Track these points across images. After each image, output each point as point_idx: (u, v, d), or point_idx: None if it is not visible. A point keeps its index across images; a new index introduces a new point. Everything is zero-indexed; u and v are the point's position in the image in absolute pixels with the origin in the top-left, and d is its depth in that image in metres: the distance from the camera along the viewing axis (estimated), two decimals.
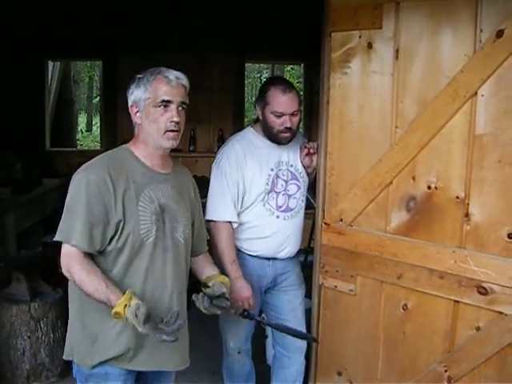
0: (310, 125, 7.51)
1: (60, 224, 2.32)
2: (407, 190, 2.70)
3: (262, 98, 3.18)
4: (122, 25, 6.87)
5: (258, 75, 17.82)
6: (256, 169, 3.17)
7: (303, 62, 7.87)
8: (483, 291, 2.49)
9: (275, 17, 6.78)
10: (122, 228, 2.32)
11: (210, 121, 7.17)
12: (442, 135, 2.56)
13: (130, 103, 2.44)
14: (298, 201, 3.32)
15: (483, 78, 2.40)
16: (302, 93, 9.39)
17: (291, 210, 3.27)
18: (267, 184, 3.19)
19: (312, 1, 3.12)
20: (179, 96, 2.40)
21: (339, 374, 3.12)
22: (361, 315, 2.97)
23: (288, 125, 3.11)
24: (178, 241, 2.50)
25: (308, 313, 3.40)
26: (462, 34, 2.46)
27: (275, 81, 3.31)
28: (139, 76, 2.43)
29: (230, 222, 3.16)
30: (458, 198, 2.54)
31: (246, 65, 7.93)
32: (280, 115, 3.10)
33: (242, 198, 3.18)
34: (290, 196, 3.27)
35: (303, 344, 3.42)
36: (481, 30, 2.39)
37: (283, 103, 3.09)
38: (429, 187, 2.63)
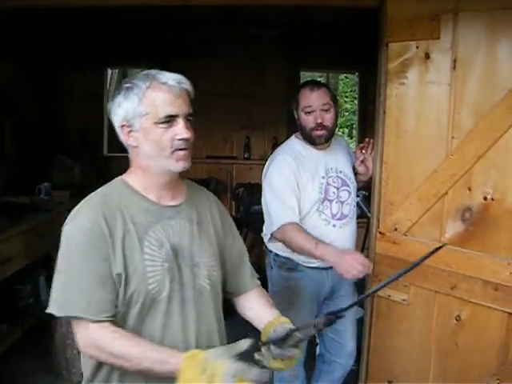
0: (364, 133, 7.46)
1: (53, 293, 1.80)
2: (463, 201, 2.69)
3: (294, 101, 3.22)
4: (177, 33, 6.97)
5: None
6: (309, 178, 3.15)
7: (357, 71, 7.85)
8: None
9: (329, 25, 6.78)
10: (126, 285, 1.80)
11: (264, 128, 7.19)
12: (499, 146, 2.55)
13: (118, 122, 1.89)
14: (351, 206, 3.29)
15: None
16: (356, 101, 9.37)
17: (346, 216, 3.24)
18: (320, 193, 3.17)
19: (367, 9, 3.13)
20: (185, 106, 1.87)
21: (389, 382, 3.12)
22: (413, 325, 2.96)
23: (319, 120, 3.10)
24: (201, 288, 1.96)
25: (360, 322, 3.40)
26: None
27: (305, 82, 3.35)
28: (127, 85, 1.87)
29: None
30: None
31: (301, 73, 7.96)
32: (310, 110, 3.12)
33: (299, 205, 3.12)
34: (343, 203, 3.24)
35: (353, 350, 3.43)
36: None
37: (311, 98, 3.11)
38: (485, 198, 2.61)
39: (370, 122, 3.14)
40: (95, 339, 1.76)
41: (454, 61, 2.66)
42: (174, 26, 6.79)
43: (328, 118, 3.14)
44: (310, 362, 3.62)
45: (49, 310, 1.78)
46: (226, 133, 7.08)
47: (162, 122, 1.82)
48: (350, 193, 3.28)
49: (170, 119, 1.82)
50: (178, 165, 1.87)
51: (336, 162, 3.27)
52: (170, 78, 1.85)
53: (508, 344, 2.61)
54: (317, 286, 3.29)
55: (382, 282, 2.97)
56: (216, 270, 2.03)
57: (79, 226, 1.81)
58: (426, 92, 2.78)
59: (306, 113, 3.13)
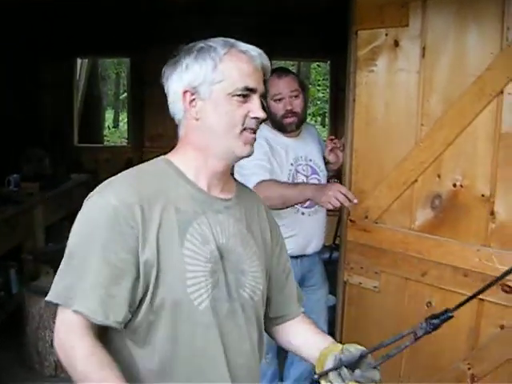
0: (335, 122, 7.50)
1: (57, 278, 1.47)
2: (432, 188, 2.70)
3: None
4: (151, 21, 6.91)
5: None
6: (278, 165, 3.15)
7: (329, 59, 7.86)
8: (508, 290, 2.48)
9: (302, 14, 6.77)
10: (156, 283, 1.45)
11: None
12: (468, 133, 2.56)
13: (180, 87, 1.57)
14: None
15: (510, 76, 2.39)
16: (328, 90, 9.38)
17: (314, 205, 3.20)
18: (288, 180, 3.17)
19: None
20: (262, 83, 1.63)
21: None
22: (385, 312, 2.97)
23: (289, 107, 3.13)
24: (244, 302, 1.61)
25: (332, 310, 3.41)
26: (489, 31, 2.46)
27: (272, 70, 3.23)
28: (200, 45, 1.57)
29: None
30: (483, 196, 2.53)
31: (273, 61, 7.95)
32: (279, 98, 3.13)
33: None
34: None
35: None
36: (507, 28, 2.38)
37: (280, 85, 3.12)
38: (454, 185, 2.63)
39: (341, 111, 3.14)
40: (68, 341, 1.42)
41: (423, 48, 2.67)
42: (151, 15, 6.74)
43: (297, 104, 3.16)
44: (283, 350, 3.62)
45: (48, 298, 1.45)
46: None
47: (239, 95, 1.54)
48: (319, 181, 3.29)
49: (247, 93, 1.55)
50: (245, 148, 1.61)
51: (306, 150, 3.29)
52: (251, 48, 1.60)
53: (478, 329, 2.64)
54: None
55: (354, 271, 2.99)
56: (262, 283, 1.69)
57: (105, 202, 1.46)
58: (395, 80, 2.79)
59: (276, 100, 3.14)
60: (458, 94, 2.56)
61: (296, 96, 3.16)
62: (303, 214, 3.21)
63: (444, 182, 2.66)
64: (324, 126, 13.69)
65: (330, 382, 1.50)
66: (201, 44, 1.57)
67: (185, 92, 1.55)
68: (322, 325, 3.38)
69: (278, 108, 3.15)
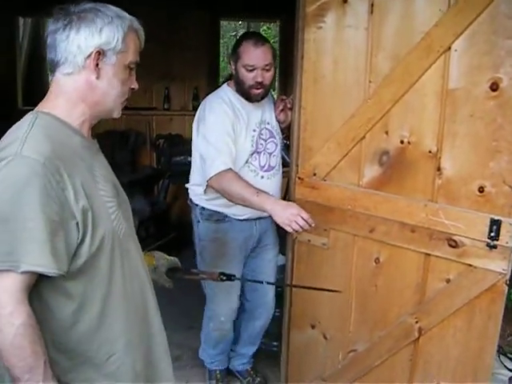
0: (285, 83, 7.46)
1: None
2: (380, 145, 2.71)
3: (234, 53, 3.11)
4: None
5: (234, 33, 17.61)
6: (242, 129, 3.14)
7: (279, 20, 7.79)
8: (454, 244, 2.53)
9: None
10: (93, 224, 1.61)
11: (185, 79, 7.07)
12: (415, 90, 2.56)
13: (90, 45, 1.67)
14: (277, 158, 3.34)
15: (457, 33, 2.39)
16: (277, 52, 9.32)
17: (272, 168, 3.28)
18: (252, 146, 3.18)
19: None
20: None
21: (313, 327, 3.17)
22: (334, 269, 3.00)
23: (259, 79, 3.06)
24: (131, 229, 1.91)
25: (282, 269, 3.44)
26: None
27: (248, 35, 3.21)
28: (113, 12, 1.73)
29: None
30: (430, 152, 2.55)
31: (222, 23, 7.84)
32: (252, 69, 3.04)
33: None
34: (270, 154, 3.27)
35: (273, 298, 3.56)
36: None
37: (255, 56, 3.02)
38: (401, 142, 2.64)
39: (290, 72, 3.09)
40: (9, 306, 1.47)
41: (372, 5, 2.63)
42: None
43: (268, 77, 3.10)
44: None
45: None
46: (145, 83, 6.89)
47: (131, 68, 1.79)
48: (276, 144, 3.31)
49: (134, 66, 1.80)
50: (119, 113, 1.83)
51: (263, 113, 3.28)
52: (140, 27, 1.82)
53: (424, 284, 2.68)
54: (245, 237, 3.31)
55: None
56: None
57: (28, 162, 1.50)
58: (343, 36, 2.76)
59: (247, 70, 3.05)
60: (406, 50, 2.55)
61: (268, 69, 3.08)
62: (262, 177, 3.23)
63: (392, 139, 2.67)
64: (273, 89, 13.66)
65: None
66: (112, 10, 1.72)
67: (97, 52, 1.67)
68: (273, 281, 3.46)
69: (248, 77, 3.07)
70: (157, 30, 6.48)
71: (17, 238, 1.47)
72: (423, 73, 2.52)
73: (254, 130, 3.19)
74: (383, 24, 2.63)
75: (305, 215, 2.71)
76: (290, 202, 2.92)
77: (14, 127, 1.68)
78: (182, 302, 4.09)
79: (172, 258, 2.41)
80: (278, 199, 3.13)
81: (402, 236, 2.68)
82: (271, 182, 3.26)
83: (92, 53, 1.67)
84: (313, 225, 2.73)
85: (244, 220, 3.27)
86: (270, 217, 2.90)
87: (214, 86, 6.77)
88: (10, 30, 6.86)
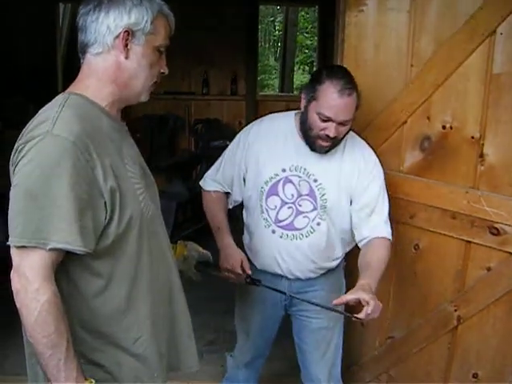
0: None
1: (18, 220, 1.52)
2: (422, 130, 2.68)
3: (311, 89, 2.42)
4: None
5: (272, 19, 17.57)
6: (262, 157, 2.61)
7: (318, 5, 7.74)
8: (495, 232, 2.50)
9: None
10: (121, 204, 1.63)
11: (223, 64, 7.07)
12: (459, 74, 2.53)
13: (119, 25, 1.67)
14: (311, 223, 2.56)
15: (503, 16, 2.36)
16: (316, 37, 9.25)
17: (296, 229, 2.57)
18: (266, 183, 2.58)
19: None
20: None
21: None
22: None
23: (332, 134, 2.38)
24: (158, 212, 1.91)
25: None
26: None
27: (334, 73, 2.43)
28: None
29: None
30: (473, 138, 2.52)
31: (260, 7, 7.81)
32: (326, 120, 2.37)
33: (244, 178, 2.68)
34: (300, 213, 2.57)
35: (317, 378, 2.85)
36: None
37: (335, 107, 2.35)
38: (444, 127, 2.60)
39: (330, 59, 2.97)
40: (36, 284, 1.49)
41: None
42: None
43: (342, 132, 2.44)
44: None
45: (13, 242, 1.50)
46: (183, 68, 6.93)
47: (160, 51, 1.77)
48: (315, 208, 2.55)
49: (163, 50, 1.79)
50: (147, 96, 1.82)
51: (317, 168, 2.55)
52: (171, 14, 1.80)
53: (465, 271, 2.66)
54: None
55: None
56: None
57: (59, 141, 1.52)
58: (385, 19, 2.72)
59: (321, 119, 2.38)
60: (450, 34, 2.52)
61: (345, 124, 2.42)
62: (274, 232, 2.60)
63: (433, 124, 2.64)
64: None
65: None
66: None
67: (125, 31, 1.67)
68: (314, 360, 2.86)
69: (318, 126, 2.40)
70: (196, 16, 6.52)
71: (45, 216, 1.49)
72: (467, 57, 2.49)
73: (283, 170, 2.56)
74: (426, 6, 2.60)
75: (246, 266, 2.52)
76: (236, 253, 2.58)
77: (45, 107, 1.68)
78: (220, 286, 4.10)
79: (205, 251, 2.39)
80: (231, 244, 2.63)
81: (443, 223, 2.65)
82: (288, 245, 2.59)
83: (121, 33, 1.67)
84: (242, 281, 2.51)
85: (262, 270, 2.79)
86: (316, 279, 2.69)
87: (252, 71, 6.78)
88: (50, 16, 6.92)
